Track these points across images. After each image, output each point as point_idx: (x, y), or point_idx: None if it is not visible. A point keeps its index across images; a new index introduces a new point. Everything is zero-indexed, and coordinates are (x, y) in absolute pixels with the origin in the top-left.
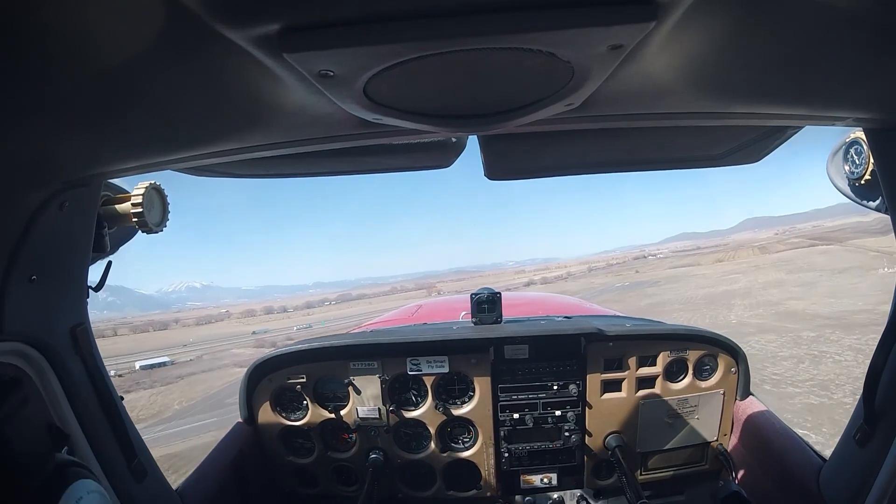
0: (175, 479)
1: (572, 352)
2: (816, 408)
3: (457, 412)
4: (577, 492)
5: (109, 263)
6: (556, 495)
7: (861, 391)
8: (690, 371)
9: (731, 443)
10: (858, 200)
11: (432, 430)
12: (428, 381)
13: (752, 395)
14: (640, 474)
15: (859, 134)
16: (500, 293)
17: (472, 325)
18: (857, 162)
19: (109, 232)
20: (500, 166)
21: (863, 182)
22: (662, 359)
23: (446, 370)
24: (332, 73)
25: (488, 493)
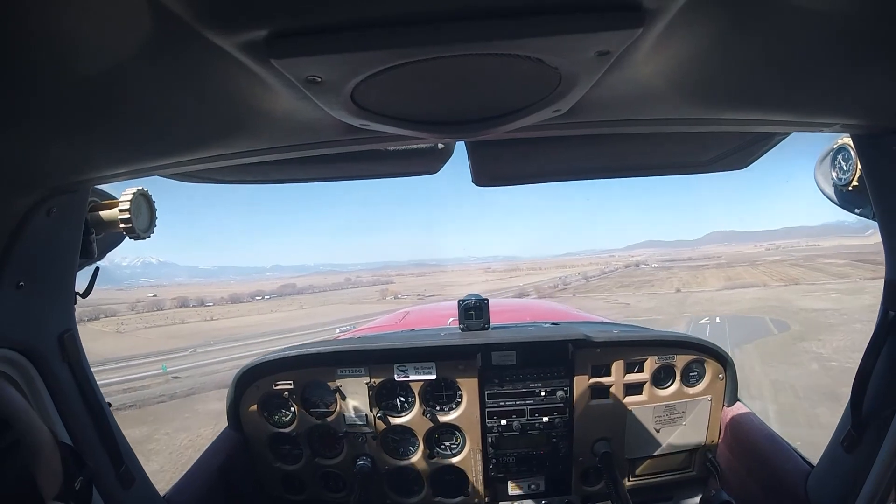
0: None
1: (560, 358)
2: None
3: (444, 418)
4: (565, 498)
5: (97, 269)
6: (543, 502)
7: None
8: (678, 377)
9: (718, 449)
10: (845, 207)
11: (420, 437)
12: (415, 388)
13: (740, 401)
14: (628, 481)
15: (847, 140)
16: (487, 299)
17: (460, 331)
18: (845, 168)
19: (97, 238)
20: (487, 172)
21: (850, 188)
22: (650, 365)
23: (434, 376)
24: (319, 79)
25: (476, 500)
